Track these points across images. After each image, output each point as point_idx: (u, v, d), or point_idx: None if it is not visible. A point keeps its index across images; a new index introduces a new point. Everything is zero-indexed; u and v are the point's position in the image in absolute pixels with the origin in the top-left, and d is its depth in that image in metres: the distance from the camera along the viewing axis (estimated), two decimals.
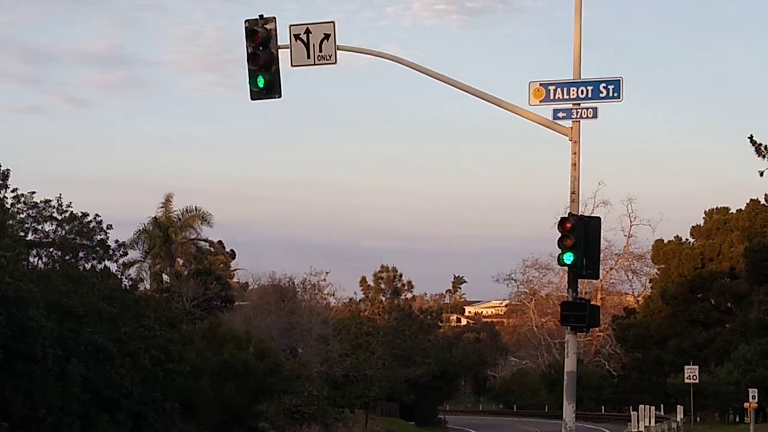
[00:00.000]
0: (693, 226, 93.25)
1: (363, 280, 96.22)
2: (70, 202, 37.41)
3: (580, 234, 21.01)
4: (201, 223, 63.63)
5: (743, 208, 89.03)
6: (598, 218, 22.16)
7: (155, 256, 61.42)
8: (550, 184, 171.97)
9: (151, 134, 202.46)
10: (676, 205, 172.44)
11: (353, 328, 68.34)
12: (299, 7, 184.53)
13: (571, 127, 21.80)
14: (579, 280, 22.02)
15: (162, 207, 63.02)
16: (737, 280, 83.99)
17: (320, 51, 22.18)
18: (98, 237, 37.84)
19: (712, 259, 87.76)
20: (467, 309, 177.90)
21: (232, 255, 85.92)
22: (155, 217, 61.99)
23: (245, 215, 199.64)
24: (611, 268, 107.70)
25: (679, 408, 67.06)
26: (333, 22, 22.25)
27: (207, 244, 68.71)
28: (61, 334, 30.34)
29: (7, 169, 35.65)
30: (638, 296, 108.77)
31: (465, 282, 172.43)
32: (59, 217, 37.02)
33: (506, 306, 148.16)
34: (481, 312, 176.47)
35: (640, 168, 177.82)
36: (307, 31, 22.20)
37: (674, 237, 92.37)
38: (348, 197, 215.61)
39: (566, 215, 21.49)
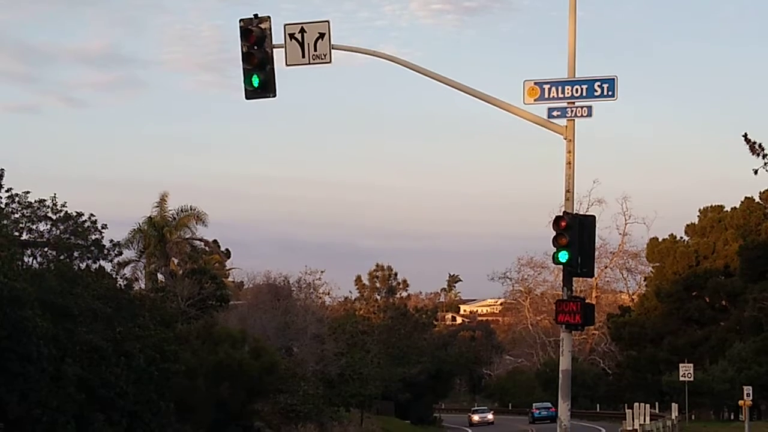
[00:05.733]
0: (687, 224, 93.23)
1: (358, 279, 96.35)
2: (65, 202, 37.47)
3: (575, 232, 21.05)
4: (196, 223, 63.54)
5: (738, 206, 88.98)
6: (593, 216, 22.26)
7: (150, 255, 61.34)
8: (544, 182, 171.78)
9: (147, 133, 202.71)
10: (670, 203, 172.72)
11: (348, 326, 68.34)
12: (296, 7, 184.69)
13: (566, 126, 21.84)
14: (574, 279, 22.08)
15: (157, 206, 62.94)
16: (732, 278, 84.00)
17: (315, 50, 22.17)
18: (93, 236, 37.81)
19: (706, 257, 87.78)
20: (462, 307, 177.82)
21: (227, 254, 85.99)
22: (150, 217, 61.91)
23: (240, 214, 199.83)
24: (606, 267, 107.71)
25: (674, 406, 67.08)
26: (328, 22, 22.26)
27: (202, 243, 68.61)
28: (56, 334, 30.32)
29: (2, 169, 35.71)
30: (633, 294, 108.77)
31: (460, 280, 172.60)
32: (54, 217, 37.02)
33: (501, 304, 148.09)
34: (476, 310, 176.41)
35: (635, 166, 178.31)
36: (302, 31, 22.19)
37: (669, 235, 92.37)
38: (343, 196, 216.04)
39: (561, 213, 21.52)
